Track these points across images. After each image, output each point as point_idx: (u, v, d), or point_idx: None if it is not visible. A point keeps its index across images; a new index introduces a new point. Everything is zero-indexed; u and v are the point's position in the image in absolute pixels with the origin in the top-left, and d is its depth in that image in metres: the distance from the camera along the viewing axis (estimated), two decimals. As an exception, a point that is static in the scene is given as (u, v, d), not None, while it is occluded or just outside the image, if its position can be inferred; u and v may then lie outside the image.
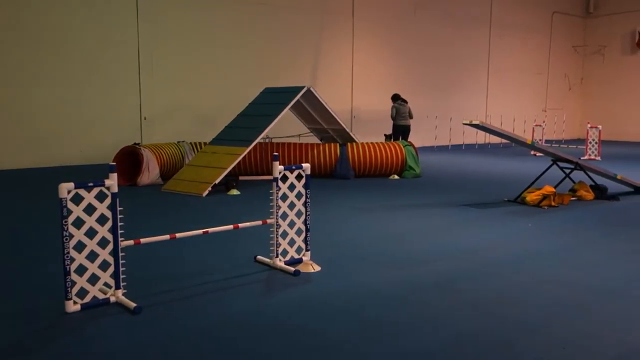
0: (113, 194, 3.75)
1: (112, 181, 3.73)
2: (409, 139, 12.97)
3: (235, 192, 8.82)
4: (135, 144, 10.19)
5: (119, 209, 3.78)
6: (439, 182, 10.50)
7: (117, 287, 3.86)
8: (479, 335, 3.41)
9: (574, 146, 19.36)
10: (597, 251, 5.49)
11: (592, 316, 3.76)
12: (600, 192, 8.44)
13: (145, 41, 13.24)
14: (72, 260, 3.63)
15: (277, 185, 4.63)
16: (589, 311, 3.85)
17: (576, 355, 3.16)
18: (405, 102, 13.74)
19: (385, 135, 13.74)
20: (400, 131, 13.63)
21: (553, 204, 7.78)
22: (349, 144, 11.05)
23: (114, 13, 12.81)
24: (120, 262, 3.83)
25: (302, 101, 10.83)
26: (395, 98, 13.83)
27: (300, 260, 4.80)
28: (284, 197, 4.71)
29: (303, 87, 10.14)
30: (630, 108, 23.24)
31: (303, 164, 4.78)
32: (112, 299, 3.85)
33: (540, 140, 17.54)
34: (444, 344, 3.29)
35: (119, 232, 3.81)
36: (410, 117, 13.71)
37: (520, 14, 21.93)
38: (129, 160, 9.82)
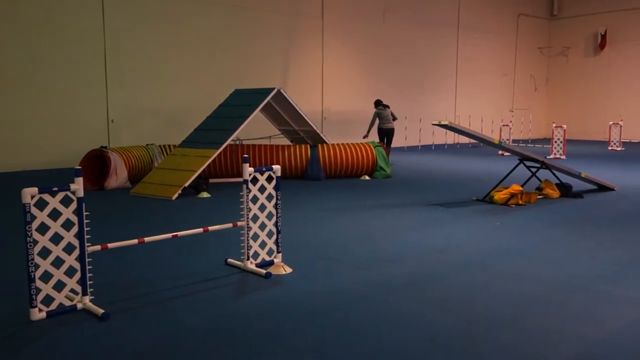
0: (79, 199, 3.68)
1: (78, 185, 3.66)
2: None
3: (205, 194, 8.75)
4: (102, 147, 10.03)
5: (85, 213, 3.72)
6: (409, 182, 10.60)
7: (84, 294, 3.79)
8: (447, 333, 3.45)
9: (540, 145, 19.76)
10: (562, 248, 5.61)
11: (558, 311, 3.84)
12: (565, 190, 8.64)
13: (111, 43, 13.03)
14: (37, 267, 3.55)
15: (248, 188, 4.61)
16: (554, 307, 3.93)
17: (542, 350, 3.22)
18: (387, 106, 14.16)
19: (363, 137, 13.91)
20: (385, 134, 14.03)
21: (520, 202, 7.93)
22: (319, 145, 11.07)
23: (79, 14, 12.58)
24: (87, 267, 3.76)
25: (273, 103, 10.81)
26: (377, 104, 14.28)
27: (271, 263, 4.79)
28: (255, 199, 4.69)
29: (273, 89, 10.12)
30: (594, 108, 23.83)
31: (273, 166, 4.77)
32: (79, 305, 3.78)
33: (507, 140, 17.85)
34: (414, 343, 3.32)
35: (86, 237, 3.74)
36: (394, 119, 14.14)
37: (487, 16, 22.30)
38: (96, 164, 9.65)
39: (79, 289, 3.77)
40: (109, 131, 13.19)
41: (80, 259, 3.74)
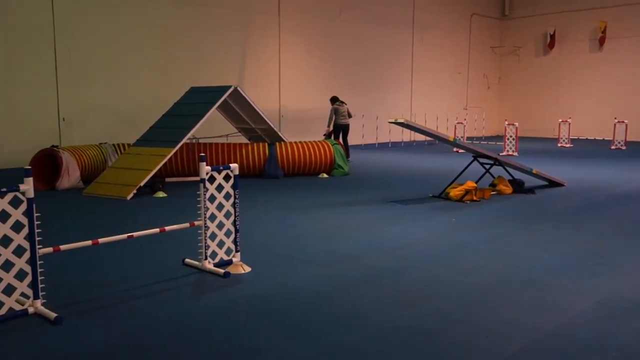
0: (29, 200, 3.57)
1: (28, 186, 3.54)
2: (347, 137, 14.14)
3: (161, 194, 8.61)
4: (53, 146, 9.73)
5: (35, 215, 3.60)
6: (367, 180, 10.69)
7: (36, 297, 3.67)
8: (404, 328, 3.51)
9: (493, 142, 20.24)
10: (515, 242, 5.77)
11: (512, 303, 3.95)
12: (518, 186, 8.88)
13: (62, 39, 12.63)
14: (-15, 270, 3.43)
15: (205, 187, 4.56)
16: (508, 299, 4.04)
17: (497, 342, 3.31)
18: (344, 102, 14.27)
19: (324, 135, 13.97)
20: (341, 129, 14.12)
21: (475, 198, 8.11)
22: (277, 143, 11.05)
23: (27, 7, 12.14)
24: (39, 270, 3.65)
25: (230, 100, 10.71)
26: (334, 100, 14.35)
27: (230, 262, 4.75)
28: (212, 199, 4.64)
29: (230, 87, 10.03)
30: (544, 106, 24.58)
31: (231, 164, 4.74)
32: (31, 310, 3.66)
33: (462, 137, 18.22)
34: (371, 339, 3.36)
35: (37, 239, 3.62)
36: (350, 116, 14.28)
37: (441, 15, 22.69)
38: (47, 164, 9.36)
39: (30, 292, 3.65)
40: (60, 130, 12.81)
41: (31, 261, 3.62)
